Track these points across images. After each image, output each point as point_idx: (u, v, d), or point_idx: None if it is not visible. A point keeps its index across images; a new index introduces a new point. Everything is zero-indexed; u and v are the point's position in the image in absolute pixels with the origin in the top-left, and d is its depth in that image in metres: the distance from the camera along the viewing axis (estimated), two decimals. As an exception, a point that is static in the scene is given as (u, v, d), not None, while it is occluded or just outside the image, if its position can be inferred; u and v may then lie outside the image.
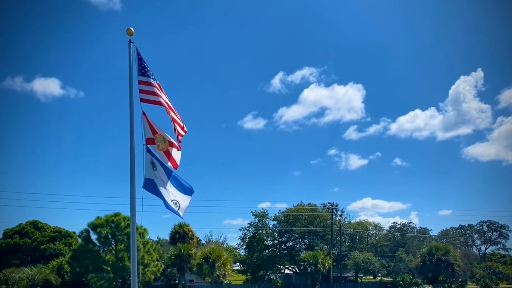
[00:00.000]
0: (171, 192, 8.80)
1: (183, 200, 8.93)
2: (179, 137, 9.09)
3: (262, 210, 69.42)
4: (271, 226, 69.64)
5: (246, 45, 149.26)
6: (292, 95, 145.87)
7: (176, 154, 8.97)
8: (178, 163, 9.01)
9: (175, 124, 9.00)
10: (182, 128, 9.18)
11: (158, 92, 8.68)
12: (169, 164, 8.88)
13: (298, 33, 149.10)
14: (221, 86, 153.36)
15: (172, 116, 8.93)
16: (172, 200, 8.76)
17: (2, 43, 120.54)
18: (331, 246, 62.38)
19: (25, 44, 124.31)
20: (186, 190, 9.03)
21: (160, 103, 8.70)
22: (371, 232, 78.56)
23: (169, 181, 8.77)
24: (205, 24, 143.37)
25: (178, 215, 8.80)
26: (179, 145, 9.07)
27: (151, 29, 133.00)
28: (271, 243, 69.80)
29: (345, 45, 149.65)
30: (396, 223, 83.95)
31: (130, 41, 8.42)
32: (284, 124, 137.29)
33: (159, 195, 8.54)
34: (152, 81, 8.61)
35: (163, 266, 46.41)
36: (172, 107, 9.04)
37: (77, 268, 40.37)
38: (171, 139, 8.89)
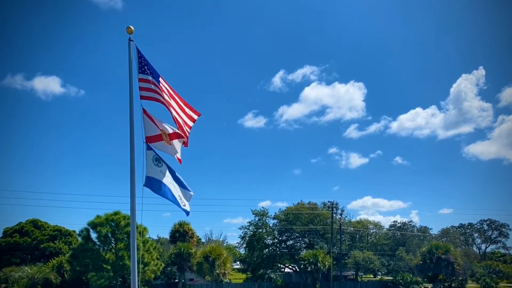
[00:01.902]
0: (176, 188, 8.77)
1: (186, 196, 8.90)
2: (184, 131, 8.95)
3: (262, 209, 69.53)
4: (271, 225, 69.69)
5: (247, 43, 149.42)
6: (293, 93, 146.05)
7: (178, 147, 8.91)
8: (180, 157, 8.97)
9: (179, 120, 8.89)
10: (187, 122, 9.02)
11: (159, 90, 8.60)
12: (176, 157, 8.86)
13: (299, 32, 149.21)
14: (221, 84, 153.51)
15: (173, 115, 8.80)
16: (178, 196, 8.72)
17: (3, 41, 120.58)
18: (331, 245, 62.35)
19: (26, 42, 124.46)
20: (186, 185, 9.00)
21: (159, 101, 8.63)
22: (371, 231, 78.59)
23: (172, 178, 8.75)
24: (206, 23, 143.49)
25: (185, 211, 8.77)
26: (186, 137, 8.96)
27: (152, 27, 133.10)
28: (271, 241, 69.80)
29: (346, 44, 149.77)
30: (396, 221, 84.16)
31: (130, 39, 8.37)
32: (285, 122, 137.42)
33: (164, 192, 8.49)
34: (152, 79, 8.54)
35: (163, 265, 46.41)
36: (175, 103, 8.86)
37: (77, 267, 40.38)
38: (176, 130, 8.77)
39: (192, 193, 9.07)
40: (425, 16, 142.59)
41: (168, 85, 8.88)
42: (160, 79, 8.68)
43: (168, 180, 8.56)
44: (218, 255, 40.62)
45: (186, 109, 9.06)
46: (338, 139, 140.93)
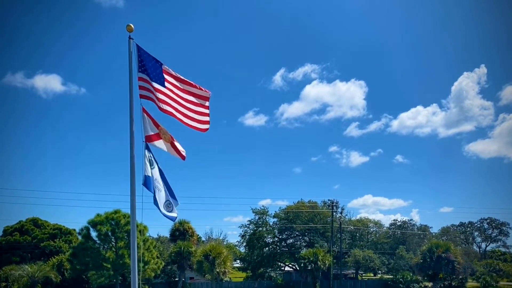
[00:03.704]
0: (166, 193, 8.75)
1: (174, 203, 8.91)
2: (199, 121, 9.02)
3: (263, 207, 69.47)
4: (271, 223, 69.67)
5: (248, 41, 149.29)
6: (293, 92, 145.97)
7: (180, 146, 8.93)
8: (184, 154, 8.96)
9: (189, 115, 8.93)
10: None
11: (158, 94, 8.55)
12: (178, 156, 8.87)
13: (300, 30, 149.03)
14: (222, 82, 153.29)
15: (178, 117, 8.82)
16: (166, 201, 8.70)
17: (3, 39, 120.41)
18: (332, 244, 62.35)
19: (26, 40, 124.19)
20: (174, 194, 8.98)
21: (157, 104, 8.60)
22: (372, 229, 78.58)
23: (162, 182, 8.71)
24: (207, 21, 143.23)
25: (169, 217, 8.74)
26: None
27: (153, 25, 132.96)
28: (271, 240, 69.79)
29: (347, 42, 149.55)
30: (397, 220, 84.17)
31: (130, 38, 8.33)
32: (286, 120, 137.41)
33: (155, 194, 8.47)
34: (152, 83, 8.49)
35: (163, 264, 46.43)
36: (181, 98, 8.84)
37: (77, 265, 40.41)
38: (170, 135, 8.82)
39: (178, 203, 9.07)
40: (426, 14, 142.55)
41: (175, 75, 8.79)
42: (165, 75, 8.61)
43: (155, 184, 8.52)
44: (218, 254, 40.56)
45: (196, 91, 8.99)
46: (338, 137, 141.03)
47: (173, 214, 8.81)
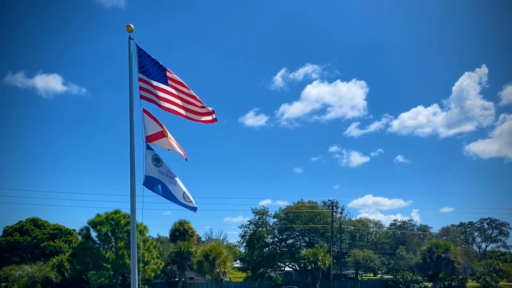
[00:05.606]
0: (182, 186, 8.73)
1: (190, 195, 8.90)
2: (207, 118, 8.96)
3: (263, 208, 69.54)
4: (271, 224, 69.69)
5: (248, 42, 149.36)
6: (294, 92, 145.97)
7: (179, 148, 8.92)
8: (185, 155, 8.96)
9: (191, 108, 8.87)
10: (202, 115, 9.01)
11: (159, 92, 8.54)
12: (182, 154, 8.84)
13: (301, 30, 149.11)
14: (223, 82, 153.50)
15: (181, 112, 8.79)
16: (184, 193, 8.69)
17: (3, 39, 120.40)
18: (331, 244, 62.33)
19: (27, 40, 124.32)
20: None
21: (157, 104, 8.60)
22: (372, 229, 78.56)
23: (175, 176, 8.71)
24: (208, 21, 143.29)
25: (190, 208, 8.75)
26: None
27: (154, 25, 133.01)
28: (271, 240, 69.81)
29: (348, 42, 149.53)
30: (397, 220, 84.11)
31: (130, 38, 8.31)
32: (286, 121, 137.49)
33: (163, 192, 8.46)
34: (153, 81, 8.49)
35: (163, 264, 46.40)
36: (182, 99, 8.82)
37: (77, 265, 40.41)
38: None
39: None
40: (427, 14, 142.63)
41: (179, 81, 8.77)
42: (168, 78, 8.60)
43: (167, 180, 8.52)
44: (218, 254, 40.53)
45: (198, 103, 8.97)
46: (339, 137, 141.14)
47: (193, 205, 8.80)
